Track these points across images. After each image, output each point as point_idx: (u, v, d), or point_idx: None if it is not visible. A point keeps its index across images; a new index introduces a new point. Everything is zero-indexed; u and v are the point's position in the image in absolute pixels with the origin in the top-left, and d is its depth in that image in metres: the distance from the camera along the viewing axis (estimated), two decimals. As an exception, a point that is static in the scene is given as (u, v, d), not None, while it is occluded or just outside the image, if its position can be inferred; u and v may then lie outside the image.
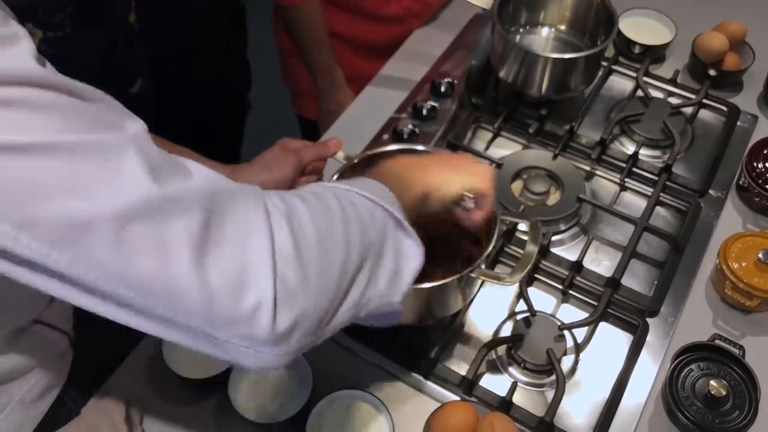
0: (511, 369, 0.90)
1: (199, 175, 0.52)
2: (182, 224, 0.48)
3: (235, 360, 0.54)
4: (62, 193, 0.45)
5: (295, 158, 0.89)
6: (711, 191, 1.08)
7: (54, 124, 0.46)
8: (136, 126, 0.51)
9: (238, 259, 0.51)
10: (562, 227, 1.04)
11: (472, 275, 0.80)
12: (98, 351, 0.94)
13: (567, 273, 0.97)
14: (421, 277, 0.87)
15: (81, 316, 0.90)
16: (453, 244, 0.91)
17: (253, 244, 0.52)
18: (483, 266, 0.81)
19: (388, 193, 0.65)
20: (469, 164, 0.78)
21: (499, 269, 0.99)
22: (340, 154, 0.92)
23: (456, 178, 0.75)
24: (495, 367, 0.91)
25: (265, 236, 0.52)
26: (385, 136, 1.12)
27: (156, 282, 0.48)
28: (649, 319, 0.93)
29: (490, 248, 0.82)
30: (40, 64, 0.49)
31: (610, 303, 0.94)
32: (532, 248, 0.82)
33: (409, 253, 0.64)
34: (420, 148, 0.92)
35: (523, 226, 1.02)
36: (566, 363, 0.90)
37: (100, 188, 0.46)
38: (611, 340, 0.93)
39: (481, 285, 0.94)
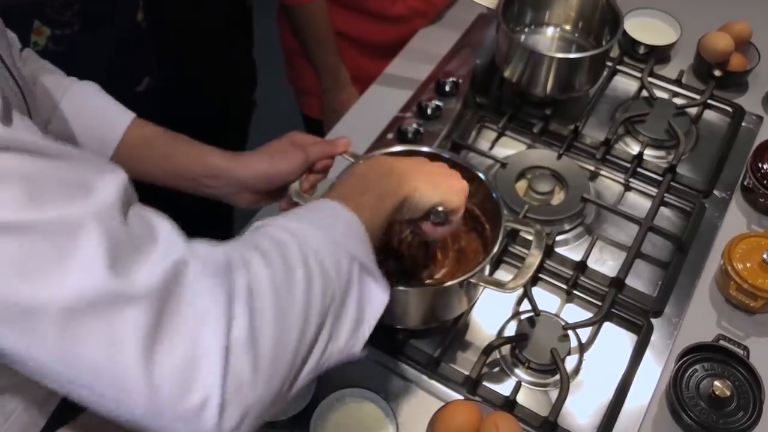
0: (515, 368, 0.90)
1: (165, 249, 0.49)
2: (133, 317, 0.46)
3: None
4: (11, 274, 0.44)
5: (302, 154, 0.87)
6: (715, 192, 1.08)
7: (11, 197, 0.44)
8: (107, 191, 0.48)
9: (188, 353, 0.48)
10: (567, 227, 1.04)
11: (472, 281, 0.80)
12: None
13: (571, 273, 0.97)
14: (425, 279, 0.88)
15: None
16: (462, 245, 0.91)
17: (206, 335, 0.49)
18: (486, 271, 0.81)
19: (356, 226, 0.62)
20: (448, 177, 0.76)
21: (503, 269, 0.99)
22: (347, 153, 0.92)
23: (434, 190, 0.73)
24: (499, 367, 0.91)
25: (221, 327, 0.49)
26: (390, 136, 1.12)
27: (101, 374, 0.47)
28: (653, 320, 0.93)
29: (491, 256, 0.82)
30: (3, 123, 0.46)
31: (615, 303, 0.94)
32: (536, 256, 0.82)
33: (373, 299, 0.61)
34: (425, 149, 0.92)
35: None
36: (570, 363, 0.90)
37: (52, 273, 0.45)
38: (615, 340, 0.93)
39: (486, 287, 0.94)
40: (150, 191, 1.44)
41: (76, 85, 0.82)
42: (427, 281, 0.88)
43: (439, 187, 0.74)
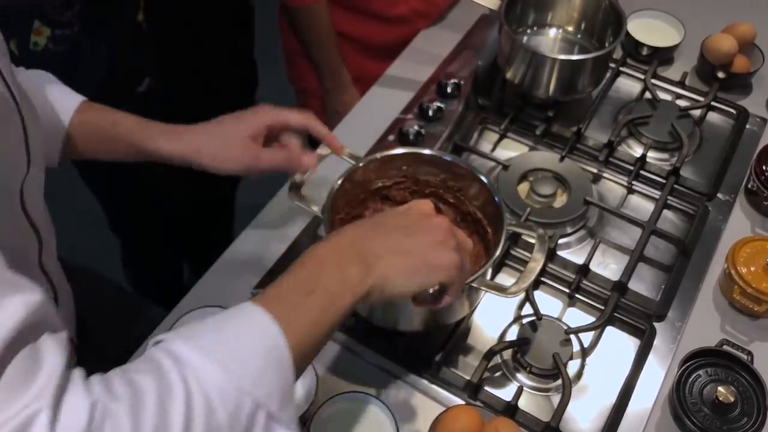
0: (516, 373, 0.90)
1: (28, 400, 0.45)
2: None
3: None
4: None
5: (252, 149, 0.85)
6: (719, 195, 1.07)
7: None
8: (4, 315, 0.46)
9: None
10: (569, 230, 1.03)
11: (474, 285, 0.79)
12: (95, 358, 0.94)
13: (574, 276, 0.96)
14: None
15: (84, 322, 0.90)
16: None
17: None
18: (488, 275, 0.80)
19: (279, 353, 0.54)
20: (432, 251, 0.64)
21: (506, 273, 0.99)
22: (346, 152, 0.91)
23: (409, 277, 0.63)
24: (500, 372, 0.90)
25: None
26: (391, 137, 1.11)
27: None
28: (656, 324, 0.92)
29: (492, 260, 0.81)
30: None
31: (617, 307, 0.93)
32: (538, 260, 0.81)
33: None
34: (426, 152, 0.91)
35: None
36: (572, 367, 0.90)
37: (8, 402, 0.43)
38: (618, 344, 0.93)
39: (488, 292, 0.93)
40: (150, 192, 1.44)
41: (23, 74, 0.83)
42: None
43: (418, 272, 0.63)
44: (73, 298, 0.88)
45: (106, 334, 1.01)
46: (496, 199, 0.87)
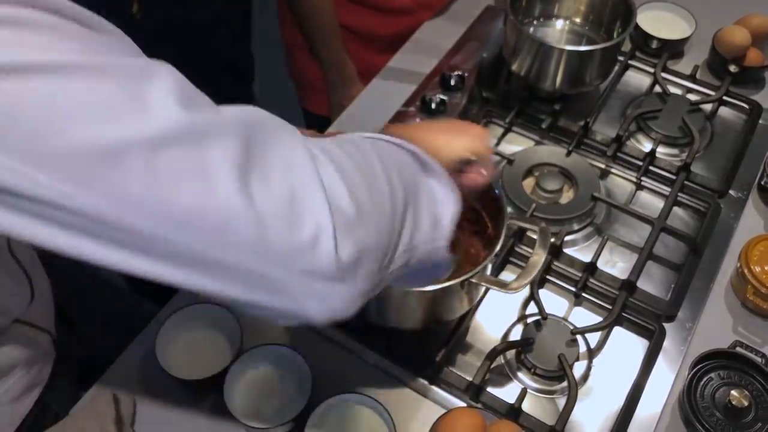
0: (520, 374, 0.86)
1: (231, 108, 0.47)
2: (221, 149, 0.42)
3: (297, 308, 0.47)
4: (83, 119, 0.39)
5: None
6: (731, 191, 1.03)
7: (63, 45, 0.39)
8: (159, 62, 0.44)
9: (287, 185, 0.45)
10: (576, 227, 1.00)
11: (473, 280, 0.76)
12: (83, 352, 0.91)
13: (580, 275, 0.93)
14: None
15: (64, 314, 0.87)
16: (462, 243, 0.87)
17: (299, 171, 0.46)
18: (489, 271, 0.77)
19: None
20: (465, 126, 0.74)
21: (509, 270, 0.95)
22: None
23: (455, 140, 0.70)
24: (504, 373, 0.87)
25: (311, 166, 0.47)
26: (393, 130, 1.08)
27: (199, 214, 0.42)
28: (665, 324, 0.89)
29: (493, 255, 0.78)
30: None
31: (625, 307, 0.90)
32: (540, 255, 0.78)
33: (444, 199, 0.60)
34: None
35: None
36: (578, 369, 0.86)
37: (126, 113, 0.40)
38: (626, 345, 0.89)
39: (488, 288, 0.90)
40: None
41: None
42: None
43: (461, 136, 0.71)
44: (53, 292, 0.85)
45: (89, 334, 0.98)
46: (497, 192, 0.83)
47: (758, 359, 0.84)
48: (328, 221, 0.46)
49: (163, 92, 0.41)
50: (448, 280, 0.76)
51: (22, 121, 0.37)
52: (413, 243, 0.56)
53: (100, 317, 1.03)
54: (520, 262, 0.95)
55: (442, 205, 0.60)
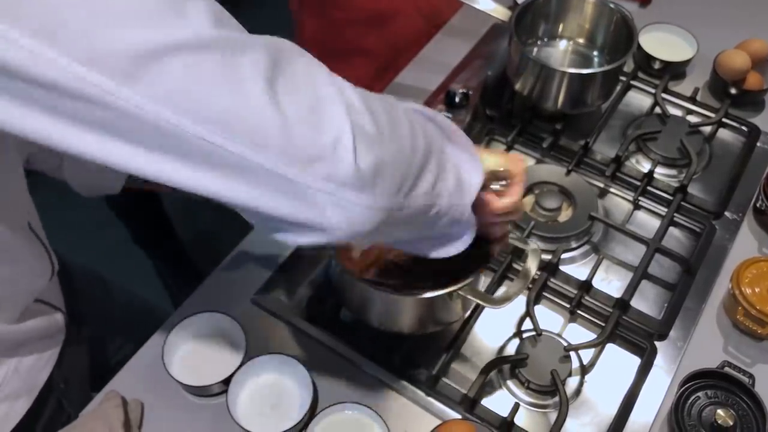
0: (514, 388, 0.89)
1: (261, 35, 0.51)
2: (251, 60, 0.47)
3: (317, 215, 0.51)
4: (130, 22, 0.43)
5: None
6: (727, 213, 1.05)
7: None
8: None
9: (310, 95, 0.49)
10: (573, 245, 1.02)
11: (460, 293, 0.79)
12: (95, 355, 0.95)
13: (576, 292, 0.95)
14: (416, 284, 0.87)
15: (74, 316, 0.90)
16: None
17: (322, 88, 0.50)
18: (482, 284, 0.80)
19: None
20: (505, 152, 0.78)
21: (507, 285, 0.98)
22: None
23: (493, 155, 0.73)
24: (498, 386, 0.89)
25: (334, 87, 0.51)
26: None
27: (232, 115, 0.46)
28: (657, 343, 0.91)
29: (479, 269, 0.80)
30: None
31: (618, 325, 0.93)
32: (527, 275, 0.81)
33: (469, 168, 0.64)
34: None
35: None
36: (571, 384, 0.89)
37: (167, 20, 0.44)
38: (618, 362, 0.92)
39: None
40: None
41: None
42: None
43: (495, 154, 0.74)
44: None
45: (108, 332, 1.02)
46: None
47: (746, 380, 0.86)
48: (348, 129, 0.50)
49: (199, 8, 0.46)
50: (436, 290, 0.79)
51: (73, 21, 0.41)
52: (437, 190, 0.59)
53: (111, 321, 1.07)
54: (516, 278, 0.98)
55: (468, 172, 0.64)
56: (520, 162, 0.75)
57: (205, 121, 0.45)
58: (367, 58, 1.37)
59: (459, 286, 0.78)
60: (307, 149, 0.48)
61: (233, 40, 0.46)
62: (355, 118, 0.51)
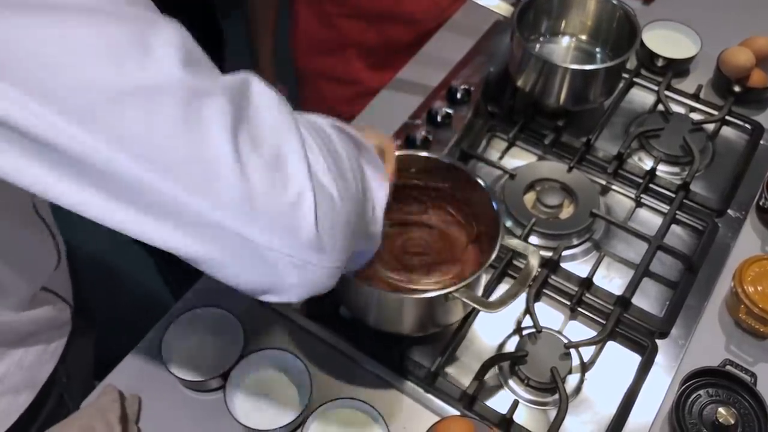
0: (513, 385, 0.88)
1: (229, 75, 0.50)
2: (214, 108, 0.45)
3: (275, 278, 0.49)
4: (94, 59, 0.41)
5: None
6: (729, 211, 1.05)
7: None
8: (169, 19, 0.47)
9: (274, 147, 0.48)
10: (575, 242, 1.02)
11: (456, 295, 0.78)
12: (100, 347, 0.95)
13: (576, 289, 0.95)
14: (419, 285, 0.87)
15: (81, 308, 0.90)
16: (461, 255, 0.90)
17: (286, 141, 0.49)
18: (482, 283, 0.79)
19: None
20: (375, 129, 0.76)
21: (507, 283, 0.97)
22: None
23: (371, 137, 0.71)
24: (497, 383, 0.89)
25: (297, 136, 0.50)
26: (398, 142, 1.10)
27: (191, 164, 0.44)
28: (658, 341, 0.91)
29: (480, 271, 0.80)
30: None
31: (619, 322, 0.92)
32: (525, 278, 0.80)
33: (375, 186, 0.64)
34: (423, 154, 0.90)
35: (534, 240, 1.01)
36: (571, 382, 0.88)
37: (130, 60, 0.42)
38: (619, 360, 0.91)
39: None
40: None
41: None
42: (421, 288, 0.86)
43: (375, 136, 0.74)
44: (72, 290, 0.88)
45: (104, 323, 1.02)
46: (495, 206, 0.85)
47: (747, 378, 0.85)
48: (309, 185, 0.48)
49: (167, 47, 0.44)
50: (435, 291, 0.78)
51: (33, 56, 0.40)
52: (368, 217, 0.61)
53: (117, 314, 1.07)
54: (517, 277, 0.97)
55: (377, 191, 0.64)
56: (391, 142, 0.76)
57: (162, 169, 0.43)
58: (361, 53, 1.37)
59: (455, 287, 0.77)
60: (269, 209, 0.46)
61: (199, 84, 0.45)
62: (313, 166, 0.50)
